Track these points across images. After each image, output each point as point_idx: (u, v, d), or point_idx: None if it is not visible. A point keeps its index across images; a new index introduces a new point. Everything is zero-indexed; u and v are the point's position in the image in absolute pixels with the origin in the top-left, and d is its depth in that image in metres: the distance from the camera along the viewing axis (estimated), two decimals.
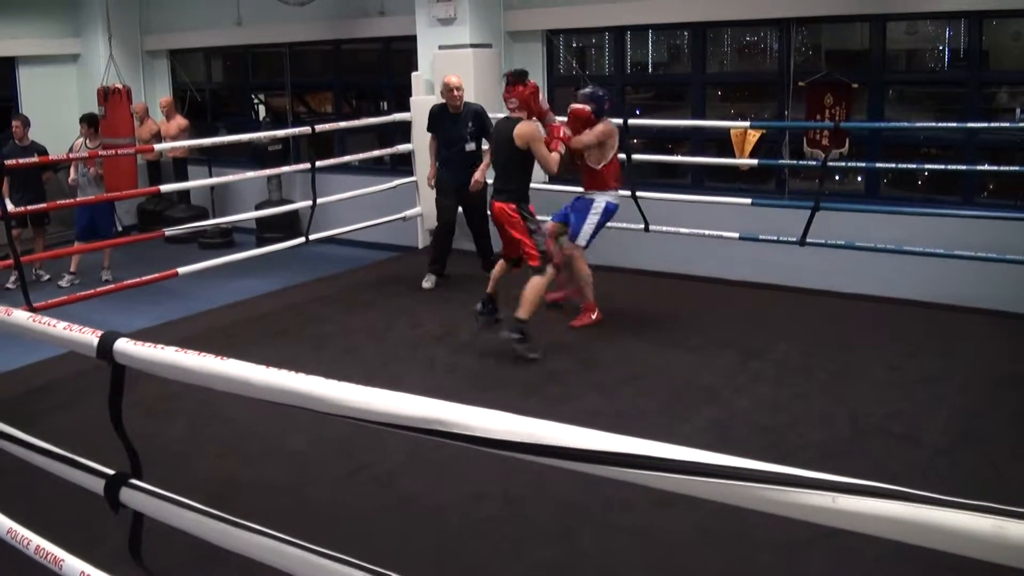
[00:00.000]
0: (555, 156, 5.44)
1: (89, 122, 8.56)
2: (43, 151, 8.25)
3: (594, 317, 6.00)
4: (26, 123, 8.56)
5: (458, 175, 6.83)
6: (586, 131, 5.76)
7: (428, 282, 7.19)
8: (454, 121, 6.96)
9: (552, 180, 6.93)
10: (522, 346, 5.40)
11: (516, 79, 5.54)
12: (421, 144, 8.14)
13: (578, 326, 5.95)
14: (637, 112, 8.60)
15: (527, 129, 5.42)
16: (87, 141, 8.45)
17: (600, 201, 5.86)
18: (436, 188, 7.15)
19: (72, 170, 8.43)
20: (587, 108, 5.77)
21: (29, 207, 6.61)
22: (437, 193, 7.15)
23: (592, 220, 5.85)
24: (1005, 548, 0.97)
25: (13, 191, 7.91)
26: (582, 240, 5.85)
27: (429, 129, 7.19)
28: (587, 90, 5.97)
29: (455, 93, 6.89)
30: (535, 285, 5.43)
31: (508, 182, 5.56)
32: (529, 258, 5.49)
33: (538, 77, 8.59)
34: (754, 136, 7.29)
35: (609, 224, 7.22)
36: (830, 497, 1.10)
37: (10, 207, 5.58)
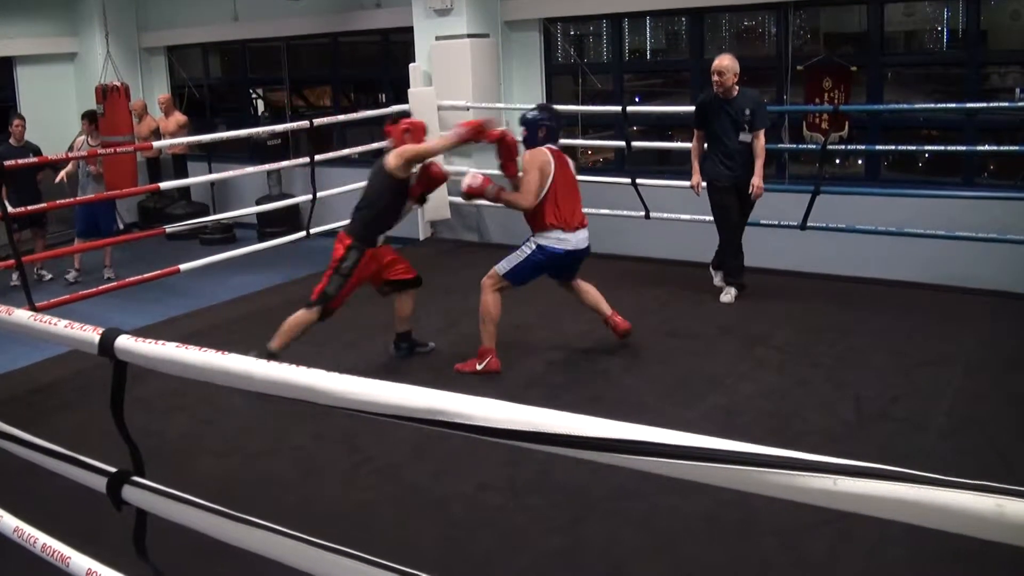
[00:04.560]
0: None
1: (91, 119, 8.56)
2: (37, 151, 8.22)
3: (480, 367, 5.06)
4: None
5: (734, 170, 6.05)
6: (526, 173, 5.02)
7: (728, 295, 6.27)
8: (726, 109, 6.02)
9: None
10: None
11: (392, 118, 5.03)
12: None
13: (459, 370, 5.12)
14: (636, 99, 8.59)
15: (400, 150, 4.94)
16: (88, 138, 8.44)
17: (531, 243, 5.10)
18: (710, 188, 6.16)
19: (72, 166, 8.39)
20: (473, 187, 5.10)
21: (28, 207, 6.58)
22: (713, 193, 6.17)
23: (514, 257, 5.10)
24: (1005, 527, 0.97)
25: (9, 192, 7.87)
26: (500, 268, 5.09)
27: (697, 124, 6.27)
28: (528, 113, 5.19)
29: (715, 78, 5.99)
30: (297, 318, 4.95)
31: (355, 211, 5.11)
32: (314, 290, 5.01)
33: (536, 66, 8.58)
34: None
35: (610, 211, 7.17)
36: (831, 480, 1.10)
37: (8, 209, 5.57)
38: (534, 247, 5.07)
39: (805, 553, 3.19)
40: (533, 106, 5.39)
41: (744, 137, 6.01)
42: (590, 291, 5.33)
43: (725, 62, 5.98)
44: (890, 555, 3.10)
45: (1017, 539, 0.97)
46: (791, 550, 3.21)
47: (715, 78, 5.99)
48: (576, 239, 5.08)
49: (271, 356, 4.91)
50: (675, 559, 3.24)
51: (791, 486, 1.14)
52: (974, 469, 3.15)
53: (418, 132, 5.06)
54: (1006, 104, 6.76)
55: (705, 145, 6.21)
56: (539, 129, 5.08)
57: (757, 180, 5.97)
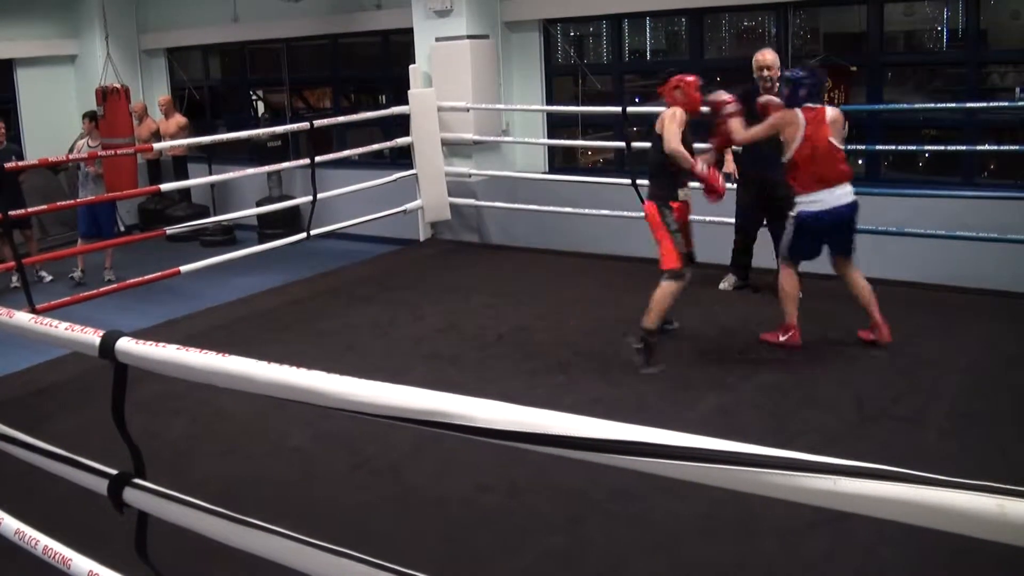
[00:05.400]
0: (681, 150, 5.01)
1: (92, 118, 8.55)
2: (19, 154, 8.20)
3: (781, 338, 5.26)
4: None
5: (762, 167, 5.91)
6: (764, 122, 5.18)
7: (726, 283, 6.49)
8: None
9: None
10: (641, 358, 5.03)
11: (663, 75, 5.28)
12: (420, 137, 8.13)
13: (764, 339, 5.36)
14: (636, 100, 8.58)
15: (666, 113, 5.12)
16: (88, 139, 8.43)
17: (794, 212, 5.13)
18: (738, 183, 6.29)
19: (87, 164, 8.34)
20: (725, 100, 5.26)
21: (28, 210, 6.56)
22: (739, 187, 6.29)
23: (785, 235, 5.23)
24: (1007, 527, 0.97)
25: None
26: (780, 250, 5.32)
27: None
28: (789, 72, 5.25)
29: (764, 73, 5.80)
30: (663, 291, 5.08)
31: (650, 178, 5.35)
32: (663, 261, 5.14)
33: (536, 67, 8.58)
34: None
35: (610, 212, 7.17)
36: (832, 480, 1.10)
37: None
38: (794, 217, 5.12)
39: (804, 553, 3.19)
40: (793, 69, 5.36)
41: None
42: (865, 289, 5.20)
43: (770, 57, 5.80)
44: (889, 554, 3.10)
45: (1019, 539, 0.97)
46: (790, 550, 3.21)
47: (764, 73, 5.80)
48: (833, 196, 4.97)
49: (649, 334, 5.03)
50: (674, 559, 3.24)
51: (791, 486, 1.14)
52: (975, 469, 3.14)
53: (689, 88, 5.18)
54: (1006, 104, 6.76)
55: None
56: (799, 89, 5.01)
57: None
